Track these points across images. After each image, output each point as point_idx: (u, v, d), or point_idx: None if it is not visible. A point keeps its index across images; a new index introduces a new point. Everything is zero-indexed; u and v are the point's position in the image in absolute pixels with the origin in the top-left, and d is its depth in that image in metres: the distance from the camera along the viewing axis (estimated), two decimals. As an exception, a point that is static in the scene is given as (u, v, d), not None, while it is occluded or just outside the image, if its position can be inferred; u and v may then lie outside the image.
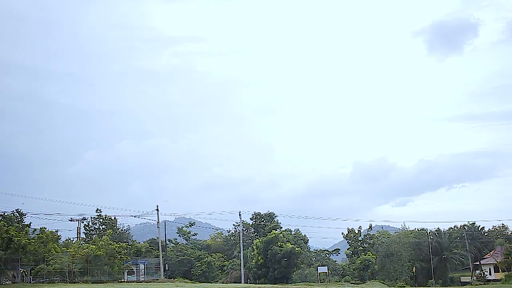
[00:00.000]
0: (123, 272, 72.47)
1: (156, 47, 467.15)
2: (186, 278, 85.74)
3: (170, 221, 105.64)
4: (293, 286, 69.21)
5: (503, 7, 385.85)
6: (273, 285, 74.56)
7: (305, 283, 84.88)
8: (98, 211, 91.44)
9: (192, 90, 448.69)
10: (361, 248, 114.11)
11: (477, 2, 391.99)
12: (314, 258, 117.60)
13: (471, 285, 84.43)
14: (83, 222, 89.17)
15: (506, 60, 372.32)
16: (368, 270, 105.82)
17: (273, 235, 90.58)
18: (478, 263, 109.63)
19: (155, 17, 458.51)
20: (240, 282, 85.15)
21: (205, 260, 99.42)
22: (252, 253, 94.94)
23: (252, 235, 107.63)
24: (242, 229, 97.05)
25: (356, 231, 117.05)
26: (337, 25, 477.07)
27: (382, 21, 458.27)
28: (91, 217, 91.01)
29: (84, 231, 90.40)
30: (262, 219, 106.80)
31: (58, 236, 70.02)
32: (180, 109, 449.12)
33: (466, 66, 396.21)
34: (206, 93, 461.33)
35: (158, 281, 70.12)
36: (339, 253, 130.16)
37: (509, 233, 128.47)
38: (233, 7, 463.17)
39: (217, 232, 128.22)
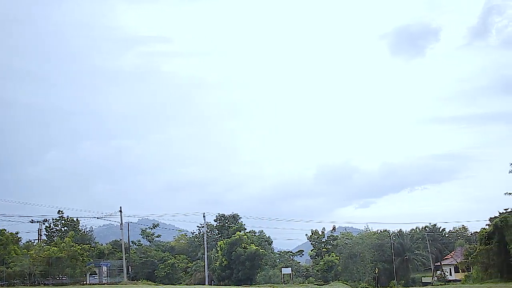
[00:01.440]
0: (86, 274, 71.71)
1: (121, 47, 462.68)
2: (150, 280, 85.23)
3: (134, 223, 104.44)
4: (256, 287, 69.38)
5: (464, 13, 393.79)
6: (237, 286, 74.68)
7: (269, 284, 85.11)
8: (60, 212, 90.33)
9: (157, 91, 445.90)
10: (325, 249, 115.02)
11: (438, 8, 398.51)
12: (278, 260, 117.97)
13: (432, 285, 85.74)
14: (44, 224, 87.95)
15: (467, 64, 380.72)
16: (332, 271, 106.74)
17: (237, 236, 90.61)
18: (439, 263, 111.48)
19: (120, 17, 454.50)
20: (204, 284, 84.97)
21: (168, 262, 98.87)
22: (216, 255, 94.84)
23: (216, 236, 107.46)
24: (206, 231, 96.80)
25: (320, 233, 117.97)
26: (303, 28, 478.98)
27: (348, 24, 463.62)
28: (53, 219, 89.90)
29: (45, 233, 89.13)
30: (226, 221, 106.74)
31: (19, 238, 69.08)
32: (145, 109, 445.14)
33: (428, 70, 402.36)
34: (172, 94, 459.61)
35: (121, 283, 69.55)
36: (303, 255, 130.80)
37: (469, 234, 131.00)
38: (199, 8, 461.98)
39: (181, 233, 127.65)
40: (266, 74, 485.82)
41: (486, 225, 74.31)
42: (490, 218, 77.42)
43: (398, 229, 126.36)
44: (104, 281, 73.53)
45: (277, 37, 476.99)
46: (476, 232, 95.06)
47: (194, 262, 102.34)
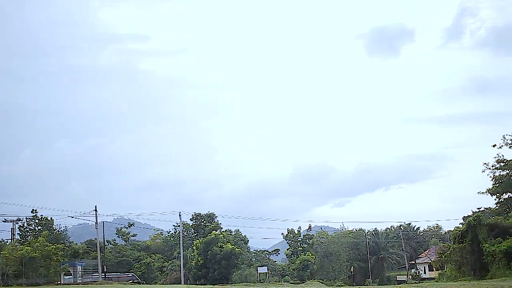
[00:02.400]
0: (60, 274, 70.98)
1: (97, 44, 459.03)
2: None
3: (109, 222, 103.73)
4: (233, 287, 69.28)
5: (439, 15, 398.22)
6: (213, 285, 74.48)
7: (245, 283, 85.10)
8: (34, 211, 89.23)
9: (134, 89, 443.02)
10: (301, 248, 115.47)
11: (414, 10, 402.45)
12: (254, 259, 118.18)
13: (406, 283, 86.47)
14: (17, 223, 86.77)
15: (442, 65, 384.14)
16: (307, 270, 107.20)
17: (213, 235, 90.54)
18: (414, 262, 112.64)
19: (97, 14, 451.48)
20: (180, 283, 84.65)
21: (144, 261, 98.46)
22: (192, 254, 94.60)
23: (192, 235, 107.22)
24: (182, 230, 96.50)
25: (296, 232, 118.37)
26: (281, 27, 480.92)
27: (326, 24, 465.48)
28: (27, 218, 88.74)
29: (18, 232, 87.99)
30: (203, 220, 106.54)
31: (-9, 237, 67.99)
32: (121, 108, 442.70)
33: (404, 71, 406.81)
34: (148, 92, 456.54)
35: (96, 283, 68.91)
36: (279, 254, 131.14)
37: (443, 233, 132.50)
38: (177, 6, 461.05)
39: (157, 233, 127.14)
40: (244, 73, 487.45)
41: (460, 224, 75.23)
42: (464, 217, 78.51)
43: (373, 228, 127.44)
44: (78, 281, 72.88)
45: (255, 36, 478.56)
46: (450, 231, 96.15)
47: (170, 262, 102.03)
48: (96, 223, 79.44)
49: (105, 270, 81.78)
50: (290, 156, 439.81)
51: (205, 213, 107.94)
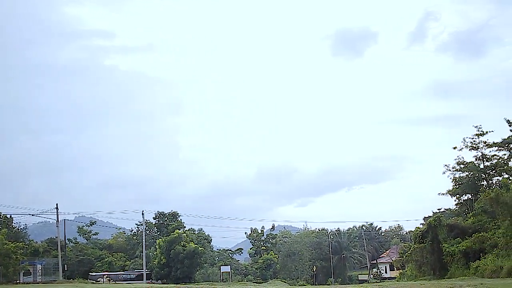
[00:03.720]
0: (19, 273, 69.88)
1: (60, 40, 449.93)
2: (86, 279, 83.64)
3: (70, 220, 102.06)
4: (196, 286, 69.05)
5: (403, 18, 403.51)
6: (175, 284, 74.14)
7: (208, 282, 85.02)
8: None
9: (97, 86, 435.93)
10: (264, 247, 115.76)
11: (378, 12, 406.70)
12: (217, 258, 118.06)
13: (368, 283, 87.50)
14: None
15: (406, 68, 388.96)
16: (270, 269, 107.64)
17: (176, 234, 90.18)
18: (375, 262, 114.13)
19: (62, 10, 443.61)
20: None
21: (106, 260, 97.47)
22: (154, 253, 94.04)
23: (155, 234, 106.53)
24: (145, 229, 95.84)
25: (259, 231, 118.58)
26: (248, 26, 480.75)
27: (292, 25, 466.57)
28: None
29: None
30: (165, 219, 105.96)
31: None
32: (84, 104, 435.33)
33: (368, 73, 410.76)
34: (112, 89, 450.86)
35: (56, 282, 68.07)
36: (242, 253, 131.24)
37: (404, 233, 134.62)
38: (144, 3, 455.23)
39: (119, 231, 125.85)
40: (210, 71, 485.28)
41: (421, 224, 76.53)
42: (424, 217, 79.85)
43: (336, 228, 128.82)
44: (38, 280, 71.84)
45: (221, 34, 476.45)
46: (411, 231, 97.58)
47: (132, 260, 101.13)
48: (57, 221, 78.39)
49: (65, 269, 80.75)
50: (254, 155, 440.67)
51: (168, 212, 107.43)
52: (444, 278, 54.45)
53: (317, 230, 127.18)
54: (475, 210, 65.57)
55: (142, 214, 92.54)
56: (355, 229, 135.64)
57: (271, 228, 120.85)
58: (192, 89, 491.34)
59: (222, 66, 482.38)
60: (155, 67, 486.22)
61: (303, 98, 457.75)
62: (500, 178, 66.74)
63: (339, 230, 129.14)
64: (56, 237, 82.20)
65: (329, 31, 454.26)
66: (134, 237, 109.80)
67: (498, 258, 47.50)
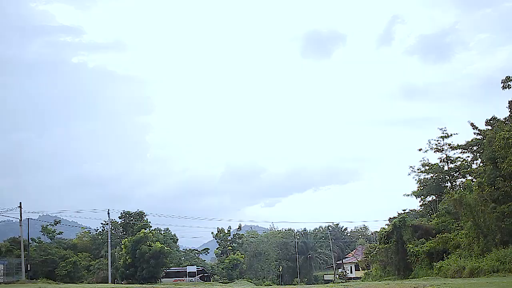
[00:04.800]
0: (-20, 273, 68.63)
1: (26, 36, 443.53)
2: (50, 279, 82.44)
3: (34, 219, 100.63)
4: (161, 286, 68.70)
5: (371, 21, 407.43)
6: (141, 285, 73.61)
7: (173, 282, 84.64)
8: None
9: (63, 83, 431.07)
10: (230, 247, 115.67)
11: (347, 15, 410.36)
12: (183, 258, 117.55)
13: (333, 283, 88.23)
14: None
15: (373, 70, 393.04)
16: (237, 269, 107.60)
17: (142, 234, 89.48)
18: (341, 262, 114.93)
19: (29, 5, 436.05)
20: (107, 282, 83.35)
21: (70, 260, 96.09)
22: (120, 253, 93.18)
23: (121, 234, 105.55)
24: (111, 228, 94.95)
25: (226, 231, 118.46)
26: (220, 26, 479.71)
27: (262, 27, 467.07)
28: None
29: None
30: (131, 218, 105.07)
31: None
32: (50, 102, 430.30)
33: (336, 74, 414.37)
34: (78, 87, 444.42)
35: (19, 282, 66.99)
36: (208, 253, 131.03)
37: (370, 233, 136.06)
38: (114, 0, 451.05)
39: (84, 231, 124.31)
40: (181, 71, 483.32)
41: (386, 225, 77.38)
42: (390, 218, 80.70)
43: (303, 228, 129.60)
44: (0, 281, 70.57)
45: (192, 33, 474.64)
46: (376, 231, 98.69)
47: (97, 260, 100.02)
48: (20, 220, 77.21)
49: (28, 269, 79.52)
50: (222, 155, 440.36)
51: (134, 211, 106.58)
52: (408, 278, 55.16)
53: (283, 230, 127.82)
54: (439, 211, 66.66)
55: (108, 213, 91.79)
56: (321, 229, 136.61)
57: (238, 228, 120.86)
58: (162, 87, 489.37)
59: (192, 65, 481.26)
60: (124, 65, 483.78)
61: (272, 99, 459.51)
62: (464, 180, 68.08)
63: (305, 230, 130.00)
64: (19, 236, 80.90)
65: (298, 33, 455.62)
66: (100, 237, 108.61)
67: (460, 259, 48.28)
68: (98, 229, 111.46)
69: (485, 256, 44.17)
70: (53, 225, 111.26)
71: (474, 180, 59.04)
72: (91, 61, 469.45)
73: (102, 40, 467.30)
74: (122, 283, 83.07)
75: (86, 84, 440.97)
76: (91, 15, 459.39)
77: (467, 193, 53.25)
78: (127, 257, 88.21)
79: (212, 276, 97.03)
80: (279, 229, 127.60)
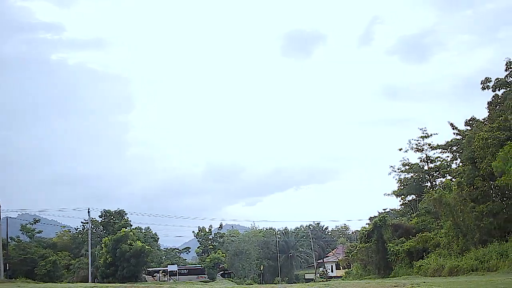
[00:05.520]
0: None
1: (3, 32, 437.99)
2: (29, 278, 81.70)
3: (13, 218, 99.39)
4: (142, 285, 68.53)
5: (352, 21, 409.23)
6: (121, 284, 73.30)
7: (154, 281, 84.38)
8: None
9: (44, 80, 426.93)
10: (211, 246, 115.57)
11: (328, 15, 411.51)
12: (164, 257, 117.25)
13: (314, 282, 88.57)
14: None
15: (354, 71, 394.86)
16: (218, 268, 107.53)
17: (123, 233, 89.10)
18: (322, 261, 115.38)
19: (6, 1, 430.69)
20: (87, 281, 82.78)
21: (50, 259, 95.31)
22: (100, 252, 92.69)
23: (101, 233, 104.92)
24: (91, 227, 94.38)
25: (207, 230, 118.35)
26: (202, 26, 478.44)
27: (244, 26, 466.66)
28: None
29: None
30: (112, 217, 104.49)
31: None
32: (29, 99, 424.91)
33: (317, 75, 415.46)
34: (60, 84, 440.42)
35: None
36: (189, 252, 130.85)
37: (350, 232, 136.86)
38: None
39: (64, 229, 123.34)
40: (162, 69, 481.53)
41: (366, 224, 77.95)
42: (370, 217, 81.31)
43: (284, 227, 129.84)
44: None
45: (174, 32, 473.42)
46: (357, 230, 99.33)
47: (77, 259, 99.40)
48: (-1, 218, 76.48)
49: (7, 268, 78.76)
50: (203, 154, 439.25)
51: (114, 210, 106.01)
52: (388, 277, 55.58)
53: (264, 229, 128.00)
54: (419, 211, 67.23)
55: (88, 212, 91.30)
56: (302, 228, 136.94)
57: (219, 227, 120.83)
58: (142, 85, 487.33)
59: (173, 63, 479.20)
60: (104, 62, 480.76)
61: (253, 97, 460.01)
62: (443, 180, 68.72)
63: (286, 230, 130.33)
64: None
65: (280, 32, 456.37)
66: (80, 236, 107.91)
67: (440, 257, 48.77)
68: (78, 228, 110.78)
69: (464, 255, 44.67)
70: (32, 224, 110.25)
71: (453, 179, 59.61)
72: (71, 59, 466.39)
73: (82, 38, 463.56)
74: (101, 282, 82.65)
75: (66, 82, 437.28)
76: (72, 12, 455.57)
77: (447, 192, 53.77)
78: (107, 256, 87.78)
79: (231, 272, 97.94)
80: (260, 228, 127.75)
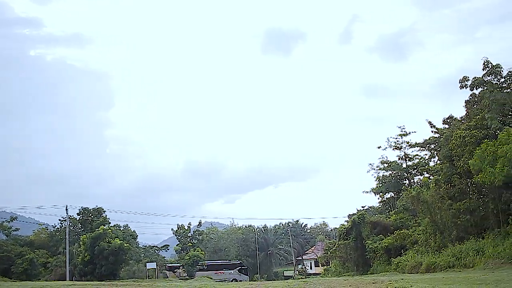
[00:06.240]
0: None
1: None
2: (5, 277, 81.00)
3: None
4: (121, 283, 68.15)
5: (332, 19, 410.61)
6: (99, 282, 72.87)
7: (133, 279, 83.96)
8: None
9: (22, 76, 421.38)
10: (190, 244, 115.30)
11: (308, 13, 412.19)
12: (143, 254, 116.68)
13: (293, 279, 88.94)
14: None
15: (333, 69, 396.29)
16: (197, 266, 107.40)
17: (101, 230, 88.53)
18: (301, 258, 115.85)
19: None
20: (65, 280, 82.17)
21: (27, 257, 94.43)
22: (78, 249, 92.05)
23: (79, 230, 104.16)
24: (69, 225, 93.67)
25: (186, 227, 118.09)
26: (182, 23, 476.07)
27: (223, 24, 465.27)
28: None
29: None
30: (90, 215, 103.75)
31: None
32: (5, 95, 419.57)
33: (296, 72, 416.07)
34: (36, 80, 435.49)
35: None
36: (168, 249, 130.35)
37: (329, 230, 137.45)
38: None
39: (41, 227, 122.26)
40: (142, 66, 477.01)
41: (345, 221, 78.44)
42: (349, 215, 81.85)
43: (263, 225, 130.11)
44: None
45: (153, 28, 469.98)
46: (336, 228, 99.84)
47: (54, 257, 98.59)
48: (-25, 216, 75.68)
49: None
50: (182, 151, 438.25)
51: (93, 207, 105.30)
52: (367, 274, 55.99)
53: (244, 226, 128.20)
54: (397, 208, 67.83)
55: (66, 209, 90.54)
56: (281, 225, 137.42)
57: (198, 225, 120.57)
58: (122, 83, 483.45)
59: (153, 61, 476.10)
60: (84, 59, 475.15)
61: (233, 95, 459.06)
62: (421, 177, 69.42)
63: (265, 227, 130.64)
64: (-26, 233, 79.25)
65: (259, 30, 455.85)
66: (57, 233, 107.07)
67: (418, 254, 49.29)
68: (56, 226, 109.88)
69: (441, 252, 45.18)
70: (9, 222, 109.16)
71: (431, 177, 60.31)
72: (49, 55, 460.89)
73: (61, 33, 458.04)
74: (79, 280, 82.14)
75: (44, 78, 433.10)
76: (51, 8, 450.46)
77: (425, 190, 54.35)
78: (85, 254, 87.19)
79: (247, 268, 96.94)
80: (239, 226, 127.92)
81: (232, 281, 73.63)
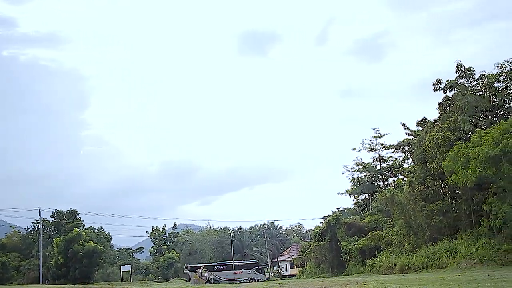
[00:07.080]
0: None
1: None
2: (-23, 280, 79.90)
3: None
4: (95, 286, 67.68)
5: (309, 22, 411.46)
6: (73, 285, 72.22)
7: (107, 282, 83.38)
8: None
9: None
10: (165, 246, 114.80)
11: (286, 15, 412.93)
12: (117, 257, 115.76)
13: (268, 281, 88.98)
14: None
15: (309, 71, 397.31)
16: (172, 268, 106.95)
17: (75, 233, 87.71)
18: (276, 260, 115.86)
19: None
20: (38, 283, 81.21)
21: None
22: (52, 252, 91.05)
23: (53, 233, 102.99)
24: (42, 227, 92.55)
25: (161, 230, 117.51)
26: (157, 23, 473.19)
27: (200, 25, 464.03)
28: None
29: None
30: (64, 217, 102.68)
31: None
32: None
33: (272, 74, 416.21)
34: (12, 81, 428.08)
35: None
36: (143, 252, 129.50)
37: (304, 231, 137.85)
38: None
39: (13, 230, 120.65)
40: (118, 66, 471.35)
41: (320, 223, 78.77)
42: (324, 216, 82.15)
43: (238, 227, 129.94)
44: None
45: (130, 29, 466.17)
46: (311, 229, 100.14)
47: (27, 261, 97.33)
48: None
49: None
50: (158, 152, 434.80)
51: (66, 209, 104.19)
52: (341, 275, 56.31)
53: (219, 228, 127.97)
54: (371, 210, 68.37)
55: (39, 212, 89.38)
56: (256, 227, 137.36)
57: (173, 227, 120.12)
58: (98, 83, 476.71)
59: (129, 61, 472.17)
60: (58, 59, 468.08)
61: (209, 97, 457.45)
62: (395, 179, 69.98)
63: (241, 229, 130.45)
64: None
65: (235, 31, 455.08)
66: (30, 236, 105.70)
67: (392, 255, 49.73)
68: (28, 229, 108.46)
69: (415, 253, 45.68)
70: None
71: (405, 179, 60.85)
72: (22, 55, 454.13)
73: (35, 34, 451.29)
74: (53, 284, 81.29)
75: (17, 79, 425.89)
76: (25, 7, 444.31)
77: (398, 191, 54.84)
78: (59, 257, 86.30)
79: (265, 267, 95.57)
80: (214, 228, 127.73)
81: (250, 280, 73.77)
